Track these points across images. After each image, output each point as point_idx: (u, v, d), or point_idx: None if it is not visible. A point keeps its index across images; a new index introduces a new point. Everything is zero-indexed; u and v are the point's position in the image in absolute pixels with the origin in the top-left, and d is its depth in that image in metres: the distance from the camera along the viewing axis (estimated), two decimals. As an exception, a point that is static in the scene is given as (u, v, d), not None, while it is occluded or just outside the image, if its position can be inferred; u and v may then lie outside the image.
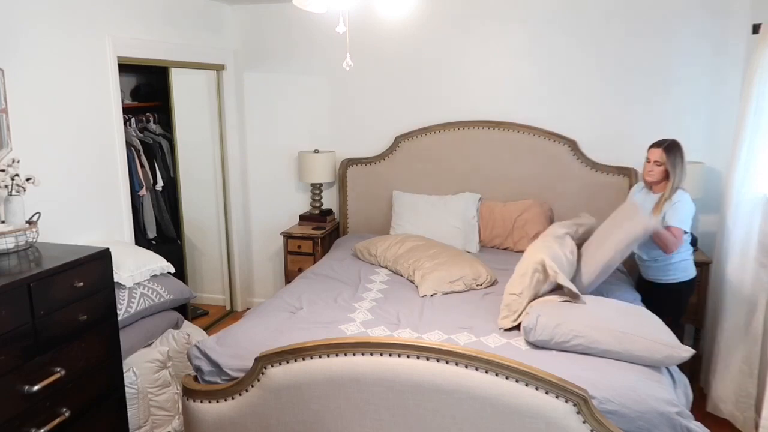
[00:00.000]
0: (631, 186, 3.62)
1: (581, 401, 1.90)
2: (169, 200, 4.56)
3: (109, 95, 3.24)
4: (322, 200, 4.43)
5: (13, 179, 2.45)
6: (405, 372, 2.03)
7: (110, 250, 2.51)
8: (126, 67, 3.69)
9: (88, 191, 3.13)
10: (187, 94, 4.52)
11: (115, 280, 2.65)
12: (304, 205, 4.57)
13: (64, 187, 2.95)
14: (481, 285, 3.15)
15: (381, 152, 4.27)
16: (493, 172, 4.02)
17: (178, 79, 4.39)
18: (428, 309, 2.84)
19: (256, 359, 2.21)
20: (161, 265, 3.08)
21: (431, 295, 3.02)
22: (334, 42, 4.11)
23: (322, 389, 2.13)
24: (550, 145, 3.89)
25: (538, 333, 2.35)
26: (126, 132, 3.64)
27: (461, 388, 1.98)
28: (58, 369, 2.22)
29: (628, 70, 3.76)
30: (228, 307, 4.81)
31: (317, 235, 4.16)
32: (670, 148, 2.94)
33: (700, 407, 3.10)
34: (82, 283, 2.32)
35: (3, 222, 2.47)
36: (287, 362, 2.16)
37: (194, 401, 2.36)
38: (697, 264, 3.12)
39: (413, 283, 3.22)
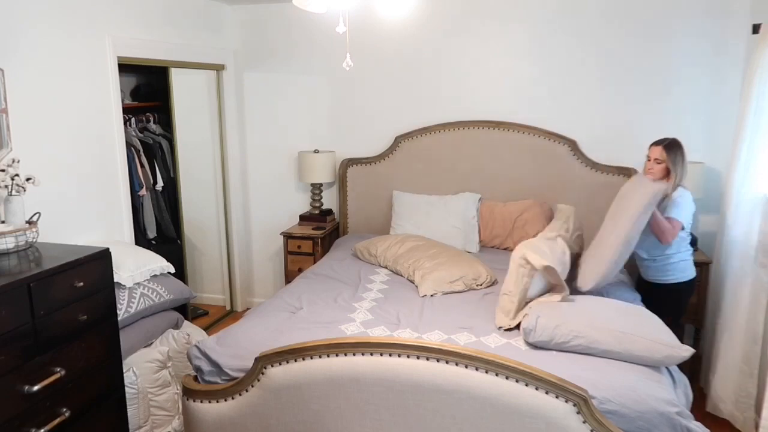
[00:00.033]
0: (631, 186, 3.63)
1: (581, 401, 1.90)
2: (169, 200, 4.56)
3: (109, 95, 3.24)
4: (322, 200, 4.43)
5: (13, 179, 2.45)
6: (405, 372, 2.03)
7: (110, 250, 2.51)
8: (126, 67, 3.68)
9: (88, 191, 3.13)
10: (187, 94, 4.52)
11: (115, 280, 2.65)
12: (304, 205, 4.57)
13: (64, 187, 2.95)
14: (481, 285, 3.15)
15: (381, 152, 4.27)
16: (493, 172, 4.02)
17: (178, 79, 4.39)
18: (428, 309, 2.84)
19: (256, 359, 2.21)
20: (161, 265, 3.08)
21: (431, 295, 3.02)
22: (334, 42, 4.10)
23: (322, 389, 2.13)
24: (550, 145, 3.89)
25: (538, 334, 2.35)
26: (126, 132, 3.64)
27: (461, 388, 1.98)
28: (58, 369, 2.22)
29: (628, 70, 3.76)
30: (228, 307, 4.81)
31: (317, 235, 4.16)
32: (671, 145, 2.94)
33: (700, 407, 3.09)
34: (82, 283, 2.32)
35: (3, 222, 2.47)
36: (287, 362, 2.16)
37: (194, 401, 2.36)
38: (697, 264, 3.12)
39: (413, 283, 3.22)
